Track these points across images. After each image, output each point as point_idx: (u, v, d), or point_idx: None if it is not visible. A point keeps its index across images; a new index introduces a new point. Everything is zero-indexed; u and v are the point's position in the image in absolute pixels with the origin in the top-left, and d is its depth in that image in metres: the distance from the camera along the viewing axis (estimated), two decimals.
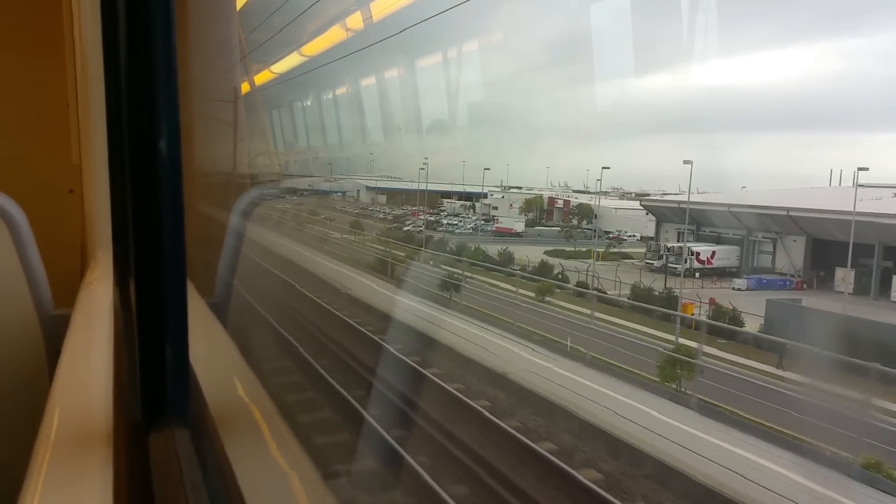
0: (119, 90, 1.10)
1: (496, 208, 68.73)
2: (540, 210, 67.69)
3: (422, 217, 63.12)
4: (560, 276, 37.56)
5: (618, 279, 37.54)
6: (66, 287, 2.56)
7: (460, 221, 64.26)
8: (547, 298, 31.31)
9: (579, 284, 36.37)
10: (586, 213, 63.56)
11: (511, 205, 68.06)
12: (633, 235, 55.00)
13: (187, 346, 1.13)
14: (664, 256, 43.46)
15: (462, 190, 70.43)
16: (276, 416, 1.34)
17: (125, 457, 1.13)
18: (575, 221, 63.96)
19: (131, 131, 1.05)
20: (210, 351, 1.75)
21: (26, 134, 3.54)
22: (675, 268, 40.63)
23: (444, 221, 63.82)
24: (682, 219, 44.50)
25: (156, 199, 1.05)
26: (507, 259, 43.74)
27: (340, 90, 27.78)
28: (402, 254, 40.11)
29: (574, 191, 73.86)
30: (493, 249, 45.97)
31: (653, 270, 42.21)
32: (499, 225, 61.48)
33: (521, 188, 73.44)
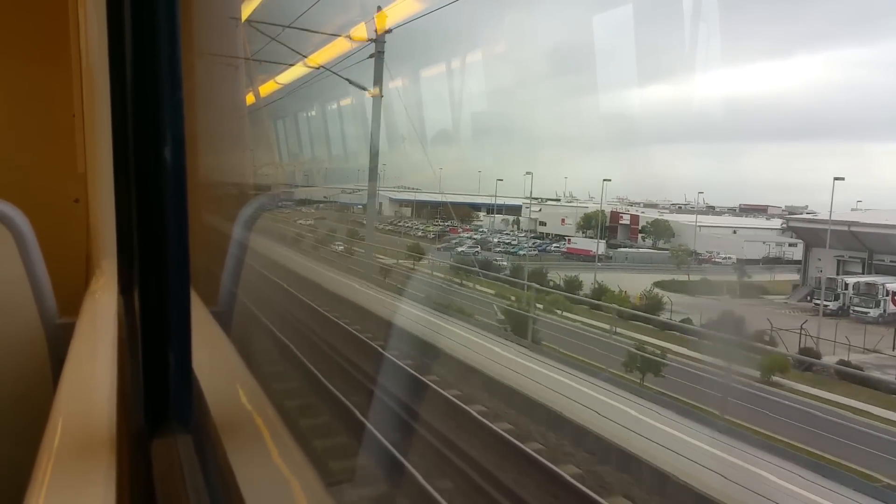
0: (124, 100, 1.12)
1: (544, 223, 59.10)
2: (601, 226, 56.66)
3: (463, 234, 56.51)
4: (769, 339, 24.92)
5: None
6: (71, 296, 2.58)
7: (513, 240, 55.71)
8: (775, 378, 20.09)
9: (805, 352, 24.21)
10: (663, 230, 53.12)
11: (563, 220, 57.95)
12: (728, 258, 45.18)
13: (190, 354, 1.14)
14: (842, 296, 31.77)
15: (492, 202, 62.71)
16: (278, 423, 1.35)
17: (128, 463, 1.14)
18: (650, 240, 53.43)
19: (136, 141, 1.06)
20: (213, 359, 1.76)
21: (33, 144, 3.58)
22: (866, 312, 30.21)
23: (495, 240, 55.39)
24: (846, 244, 33.76)
25: (160, 208, 1.07)
26: (654, 303, 31.45)
27: (346, 101, 26.88)
28: (494, 291, 31.16)
29: (636, 203, 62.52)
30: (600, 281, 35.89)
31: (827, 314, 30.61)
32: (572, 246, 51.26)
33: (558, 200, 65.03)
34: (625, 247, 52.38)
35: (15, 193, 2.85)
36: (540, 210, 61.24)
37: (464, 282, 34.95)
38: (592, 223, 56.17)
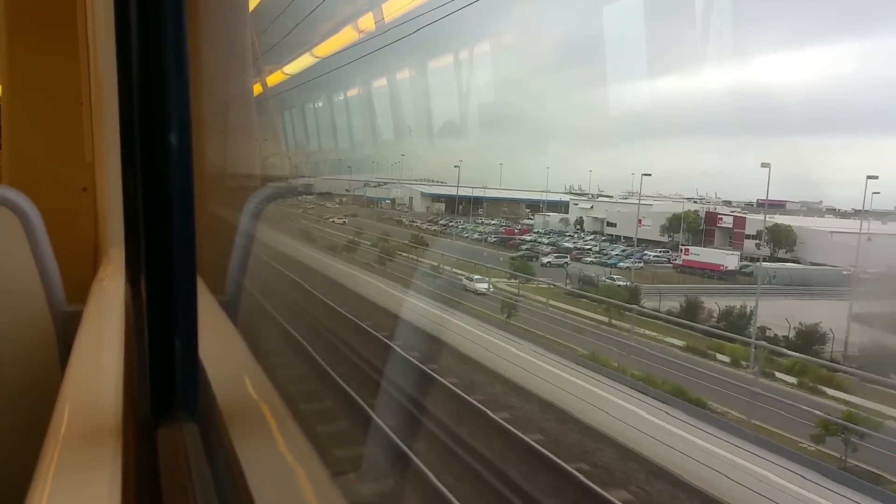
0: (131, 88, 1.11)
1: (613, 224, 49.22)
2: (693, 230, 45.61)
3: (524, 236, 48.27)
4: None
5: None
6: (79, 284, 2.59)
7: (593, 245, 45.77)
8: None
9: None
10: (785, 237, 39.43)
11: (640, 220, 47.11)
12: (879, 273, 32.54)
13: (197, 343, 1.13)
14: None
15: (519, 196, 55.28)
16: (284, 412, 1.35)
17: (134, 450, 1.14)
18: (767, 249, 39.78)
19: (142, 126, 1.06)
20: (220, 348, 1.76)
21: (41, 133, 3.59)
22: None
23: (569, 244, 46.02)
24: None
25: (166, 195, 1.06)
26: None
27: (366, 91, 25.66)
28: (684, 343, 21.36)
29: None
30: None
31: None
32: (692, 258, 39.44)
33: (611, 196, 55.48)
34: (761, 259, 37.76)
35: (24, 182, 2.87)
36: (591, 207, 53.45)
37: (613, 320, 24.70)
38: (681, 225, 45.28)
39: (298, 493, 1.11)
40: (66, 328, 2.39)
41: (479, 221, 54.40)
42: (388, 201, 59.73)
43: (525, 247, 45.64)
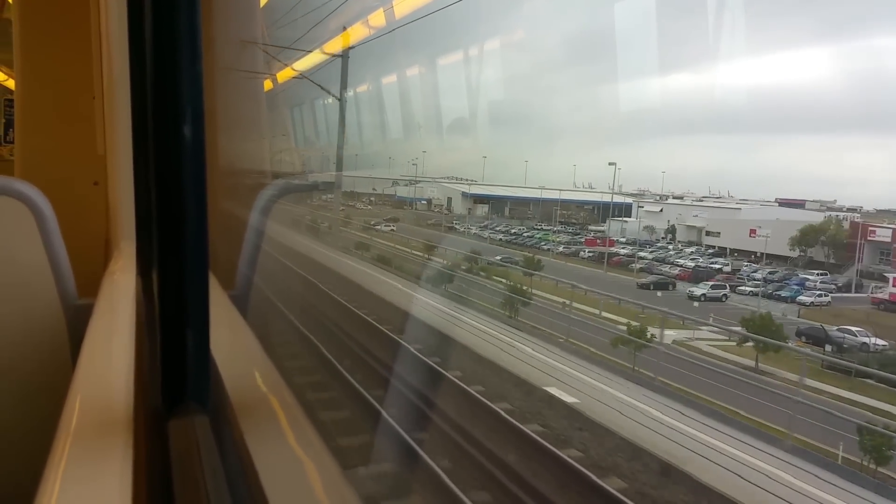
0: (144, 81, 1.11)
1: (716, 234, 40.72)
2: (836, 243, 36.34)
3: (613, 249, 40.62)
4: None
5: None
6: (90, 277, 2.60)
7: (722, 263, 36.23)
8: None
9: None
10: None
11: (753, 231, 38.11)
12: None
13: (208, 336, 1.14)
14: None
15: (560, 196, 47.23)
16: (294, 406, 1.35)
17: (145, 442, 1.14)
18: None
19: (155, 118, 1.06)
20: (231, 341, 1.77)
21: (54, 126, 3.62)
22: None
23: (686, 262, 36.69)
24: None
25: (179, 190, 1.06)
26: None
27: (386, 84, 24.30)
28: None
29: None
30: None
31: None
32: None
33: (682, 198, 47.84)
34: None
35: (36, 175, 2.88)
36: (661, 210, 46.28)
37: None
38: (816, 239, 36.49)
39: (309, 485, 1.11)
40: (77, 321, 2.40)
41: (540, 227, 47.39)
42: (424, 202, 53.80)
43: (640, 266, 36.75)
